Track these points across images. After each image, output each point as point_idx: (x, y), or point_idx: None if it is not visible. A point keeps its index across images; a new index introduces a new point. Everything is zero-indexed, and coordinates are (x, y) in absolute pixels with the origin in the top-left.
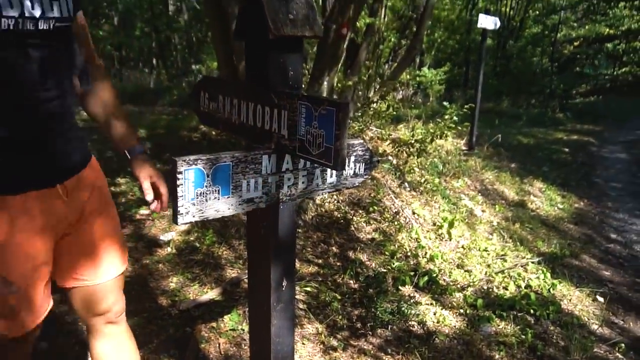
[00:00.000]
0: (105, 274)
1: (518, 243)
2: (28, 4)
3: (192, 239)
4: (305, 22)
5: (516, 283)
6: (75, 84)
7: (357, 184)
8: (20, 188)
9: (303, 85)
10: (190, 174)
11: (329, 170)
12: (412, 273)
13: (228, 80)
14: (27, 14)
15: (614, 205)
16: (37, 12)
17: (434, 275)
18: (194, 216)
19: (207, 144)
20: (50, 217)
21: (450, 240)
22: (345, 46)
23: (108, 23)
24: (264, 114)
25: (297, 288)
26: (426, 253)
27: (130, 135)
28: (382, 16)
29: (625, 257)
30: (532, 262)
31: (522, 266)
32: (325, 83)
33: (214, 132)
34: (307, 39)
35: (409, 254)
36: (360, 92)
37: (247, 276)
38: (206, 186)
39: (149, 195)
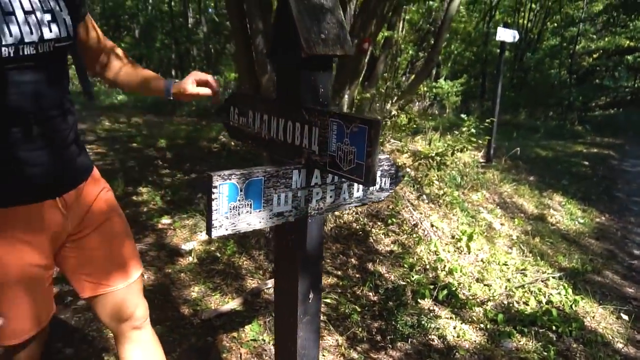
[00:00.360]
0: (120, 280)
1: (538, 257)
2: (27, 29)
3: (213, 248)
4: (336, 42)
5: (537, 298)
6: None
7: (382, 198)
8: (18, 201)
9: None
10: (224, 188)
11: (355, 184)
12: (431, 286)
13: (258, 96)
14: (26, 40)
15: (637, 221)
16: (36, 37)
17: (454, 288)
18: (227, 229)
19: (226, 154)
20: (48, 229)
21: (469, 253)
22: (366, 60)
23: (129, 35)
24: (294, 130)
25: None
26: (445, 266)
27: (157, 78)
28: (400, 29)
29: None
30: (553, 277)
31: (542, 281)
32: (346, 96)
33: (232, 143)
34: (337, 57)
35: (427, 266)
36: (377, 104)
37: (267, 287)
38: (239, 200)
39: (204, 90)
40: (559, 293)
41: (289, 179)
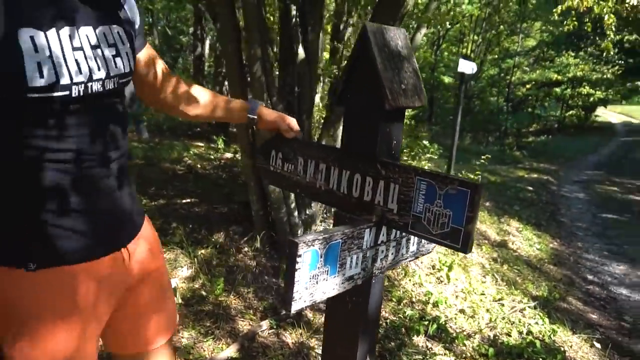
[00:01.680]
0: (163, 337)
1: (510, 286)
2: (94, 64)
3: (197, 286)
4: (414, 92)
5: (518, 329)
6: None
7: (430, 250)
8: (91, 254)
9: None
10: (307, 256)
11: (412, 239)
12: (421, 320)
13: (312, 142)
14: (94, 77)
15: (584, 246)
16: (103, 73)
17: (442, 322)
18: (305, 301)
19: (193, 177)
20: (115, 281)
21: (449, 283)
22: None
23: None
24: (364, 184)
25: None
26: (429, 299)
27: (239, 102)
28: None
29: (606, 299)
30: (529, 307)
31: (520, 311)
32: (341, 128)
33: (199, 166)
34: (414, 108)
35: (414, 299)
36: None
37: (262, 329)
38: (319, 267)
39: (290, 134)
40: (537, 323)
41: (361, 239)
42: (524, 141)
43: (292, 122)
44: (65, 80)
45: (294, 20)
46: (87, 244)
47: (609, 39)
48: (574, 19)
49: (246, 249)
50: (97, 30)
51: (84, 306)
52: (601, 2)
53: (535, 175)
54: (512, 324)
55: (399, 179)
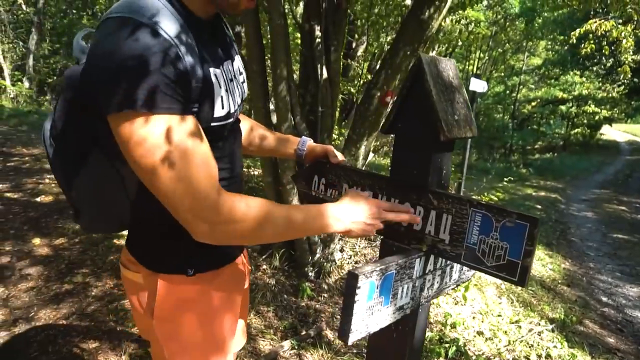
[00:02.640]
0: (241, 343)
1: (526, 307)
2: (239, 93)
3: None
4: (466, 123)
5: (537, 352)
6: None
7: (469, 277)
8: (231, 258)
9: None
10: (365, 287)
11: (456, 267)
12: (440, 343)
13: (358, 170)
14: (238, 103)
15: (596, 267)
16: (239, 99)
17: (461, 344)
18: (361, 332)
19: None
20: (242, 282)
21: (465, 304)
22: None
23: None
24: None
25: None
26: (447, 320)
27: (287, 138)
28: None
29: (622, 323)
30: (547, 330)
31: (538, 334)
32: (363, 147)
33: None
34: (465, 139)
35: (432, 320)
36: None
37: (283, 349)
38: (374, 298)
39: (336, 159)
40: (555, 346)
41: (412, 268)
42: (530, 158)
43: (336, 151)
44: (232, 109)
45: (317, 41)
46: (227, 250)
47: (626, 62)
48: (592, 42)
49: (265, 266)
50: (234, 63)
51: (235, 297)
52: (620, 27)
53: (542, 193)
54: (530, 347)
55: (452, 210)
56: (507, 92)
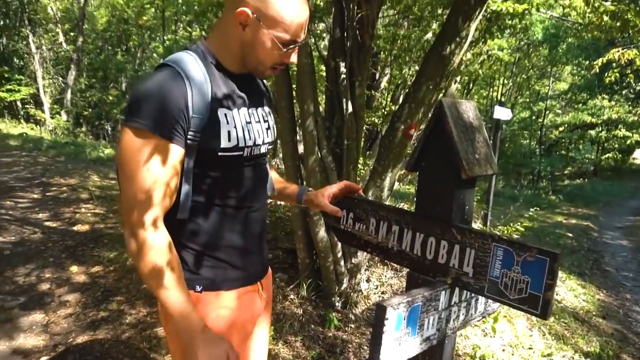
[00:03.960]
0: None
1: (559, 340)
2: (257, 135)
3: None
4: (487, 161)
5: None
6: None
7: (495, 309)
8: (242, 284)
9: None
10: (393, 318)
11: (481, 299)
12: None
13: (384, 205)
14: (257, 143)
15: (633, 298)
16: (261, 141)
17: None
18: None
19: None
20: (254, 310)
21: (494, 336)
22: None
23: (115, 88)
24: (438, 247)
25: None
26: (476, 353)
27: (293, 188)
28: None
29: None
30: None
31: None
32: (387, 179)
33: None
34: (486, 177)
35: (461, 352)
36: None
37: None
38: (402, 329)
39: (339, 213)
40: None
41: (437, 300)
42: (559, 185)
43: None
44: (241, 144)
45: (342, 77)
46: (239, 275)
47: None
48: (615, 70)
49: (292, 296)
50: (258, 110)
51: (238, 322)
52: None
53: (573, 221)
54: None
55: (475, 244)
56: (533, 117)
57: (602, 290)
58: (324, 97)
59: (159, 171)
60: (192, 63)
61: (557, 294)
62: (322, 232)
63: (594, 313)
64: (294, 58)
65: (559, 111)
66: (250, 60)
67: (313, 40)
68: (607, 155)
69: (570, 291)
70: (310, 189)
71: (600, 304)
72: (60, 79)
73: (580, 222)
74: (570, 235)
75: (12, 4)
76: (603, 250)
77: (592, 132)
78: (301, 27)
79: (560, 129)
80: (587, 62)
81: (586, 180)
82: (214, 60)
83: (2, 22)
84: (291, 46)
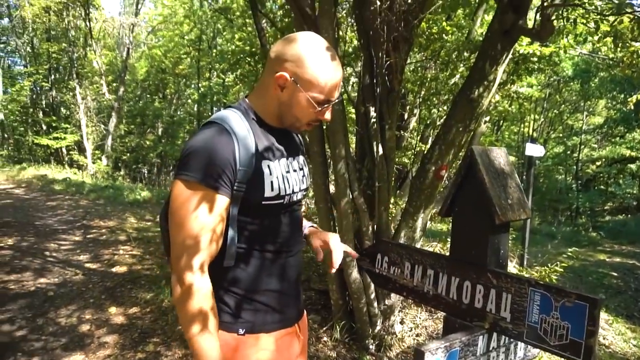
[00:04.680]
0: None
1: None
2: (294, 183)
3: None
4: (519, 206)
5: None
6: None
7: (536, 355)
8: (281, 327)
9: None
10: None
11: (520, 344)
12: None
13: (418, 249)
14: (294, 191)
15: None
16: (297, 188)
17: None
18: None
19: None
20: (292, 352)
21: None
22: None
23: (152, 133)
24: (474, 291)
25: None
26: None
27: (304, 221)
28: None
29: None
30: None
31: None
32: (420, 220)
33: None
34: (519, 221)
35: None
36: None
37: None
38: None
39: (319, 255)
40: None
41: (475, 346)
42: (600, 221)
43: (339, 244)
44: (282, 193)
45: (372, 121)
46: (278, 318)
47: None
48: None
49: (325, 338)
50: (295, 160)
51: None
52: None
53: (618, 259)
54: None
55: (512, 289)
56: (568, 152)
57: None
58: (354, 139)
59: (206, 219)
60: (236, 119)
61: (604, 338)
62: (354, 273)
63: None
64: (327, 115)
65: (595, 145)
66: (288, 118)
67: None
68: None
69: (618, 335)
70: (313, 225)
71: None
72: (102, 126)
73: (625, 260)
74: (615, 274)
75: (62, 59)
76: None
77: (633, 166)
78: (335, 87)
79: (598, 163)
80: (622, 95)
81: (629, 215)
82: (255, 116)
83: (52, 77)
84: (325, 105)
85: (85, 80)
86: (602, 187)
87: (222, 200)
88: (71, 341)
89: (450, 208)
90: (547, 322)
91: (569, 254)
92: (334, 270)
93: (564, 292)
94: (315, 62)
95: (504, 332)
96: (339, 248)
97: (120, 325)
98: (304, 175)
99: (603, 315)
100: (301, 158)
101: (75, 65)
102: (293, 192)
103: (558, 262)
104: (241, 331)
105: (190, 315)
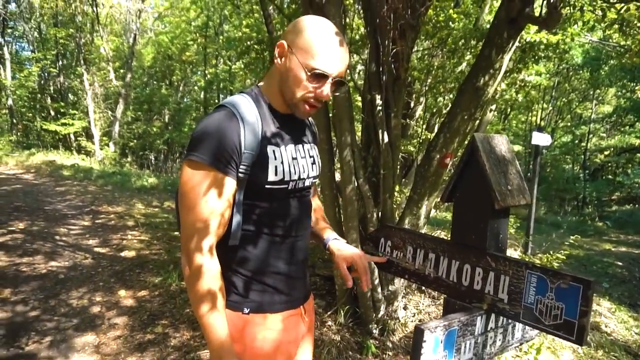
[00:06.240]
0: None
1: None
2: (301, 169)
3: None
4: (519, 192)
5: None
6: None
7: (533, 337)
8: (286, 308)
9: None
10: (431, 341)
11: (518, 326)
12: None
13: (420, 233)
14: (301, 177)
15: None
16: (305, 175)
17: None
18: None
19: None
20: (298, 332)
21: None
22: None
23: (159, 120)
24: (474, 274)
25: None
26: None
27: (323, 231)
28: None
29: None
30: None
31: None
32: (424, 207)
33: None
34: (519, 207)
35: None
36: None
37: None
38: (439, 352)
39: (349, 282)
40: None
41: (473, 326)
42: (607, 211)
43: (360, 265)
44: (286, 178)
45: (378, 109)
46: (285, 299)
47: None
48: None
49: (330, 322)
50: (304, 146)
51: (282, 343)
52: None
53: (623, 249)
54: None
55: (509, 271)
56: (576, 141)
57: None
58: (360, 127)
59: (215, 203)
60: (245, 105)
61: (606, 326)
62: None
63: None
64: (326, 92)
65: (604, 134)
66: (286, 93)
67: (349, 72)
68: None
69: (621, 323)
70: (336, 237)
71: None
72: (110, 112)
73: (631, 250)
74: (620, 264)
75: (69, 45)
76: None
77: None
78: (332, 60)
79: (606, 152)
80: (633, 84)
81: (637, 205)
82: (265, 103)
83: (60, 62)
84: (320, 78)
85: (92, 66)
86: (609, 176)
87: (230, 184)
88: (82, 322)
89: (451, 193)
90: (542, 303)
91: (571, 241)
92: (366, 289)
93: (560, 274)
94: (312, 31)
95: (502, 313)
96: (367, 268)
97: (130, 307)
98: (314, 162)
99: (606, 304)
100: (312, 145)
101: (83, 51)
102: (300, 178)
103: (562, 251)
104: (246, 310)
105: (200, 295)
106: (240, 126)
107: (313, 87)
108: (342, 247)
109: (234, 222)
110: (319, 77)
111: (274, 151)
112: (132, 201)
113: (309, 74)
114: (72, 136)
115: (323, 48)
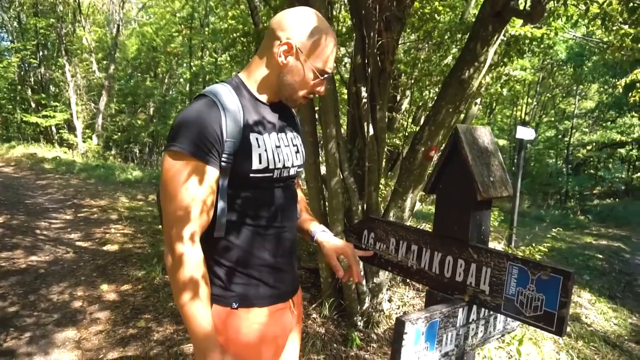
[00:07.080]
0: None
1: None
2: (286, 158)
3: None
4: (502, 183)
5: None
6: None
7: (515, 328)
8: (274, 302)
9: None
10: (412, 333)
11: (499, 317)
12: None
13: (403, 225)
14: (286, 165)
15: None
16: (290, 163)
17: None
18: None
19: None
20: (286, 323)
21: (520, 358)
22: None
23: (143, 112)
24: (455, 265)
25: None
26: None
27: (314, 223)
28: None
29: None
30: None
31: None
32: (408, 200)
33: None
34: (503, 198)
35: None
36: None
37: None
38: (420, 344)
39: (340, 272)
40: None
41: (455, 317)
42: (588, 205)
43: (351, 259)
44: (271, 166)
45: (363, 101)
46: (271, 292)
47: None
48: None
49: (315, 315)
50: (287, 135)
51: (269, 337)
52: None
53: (604, 242)
54: None
55: (491, 263)
56: (559, 136)
57: (635, 314)
58: (345, 119)
59: (196, 191)
60: (226, 93)
61: (586, 317)
62: None
63: (626, 337)
64: (322, 88)
65: (586, 130)
66: (286, 89)
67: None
68: (638, 174)
69: (600, 314)
70: (324, 229)
71: (634, 328)
72: (92, 104)
73: (611, 243)
74: (601, 256)
75: (50, 36)
76: (636, 272)
77: (622, 151)
78: (332, 59)
79: (588, 147)
80: (614, 80)
81: (617, 200)
82: (247, 91)
83: (41, 53)
84: (324, 76)
85: (74, 57)
86: (592, 171)
87: (212, 172)
88: (63, 317)
89: (434, 185)
90: (523, 294)
91: (554, 234)
92: (357, 280)
93: (540, 266)
94: (317, 33)
95: (483, 305)
96: (357, 260)
97: (112, 302)
98: (297, 151)
99: (586, 295)
100: (295, 134)
101: (64, 41)
102: (285, 167)
103: (544, 244)
104: (234, 305)
105: (182, 284)
106: (221, 114)
107: (314, 83)
108: (331, 239)
109: (218, 209)
110: (322, 75)
111: (257, 139)
112: (115, 194)
113: (318, 74)
114: (53, 129)
115: (328, 50)
